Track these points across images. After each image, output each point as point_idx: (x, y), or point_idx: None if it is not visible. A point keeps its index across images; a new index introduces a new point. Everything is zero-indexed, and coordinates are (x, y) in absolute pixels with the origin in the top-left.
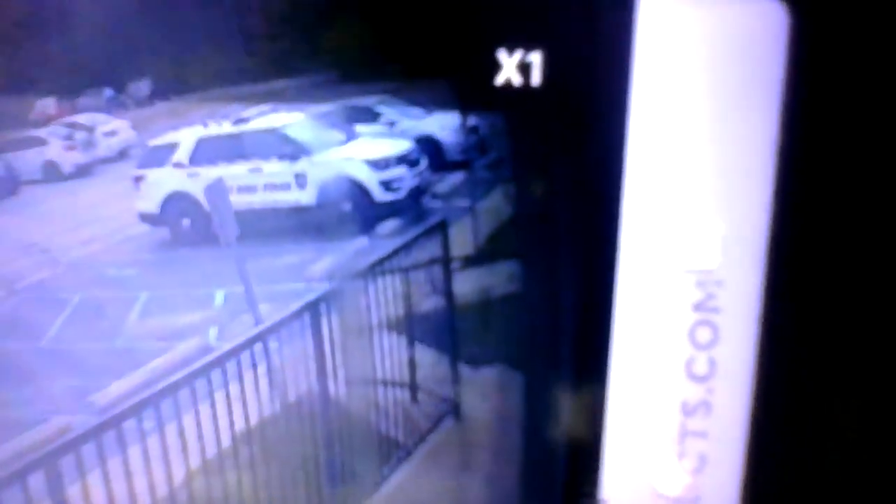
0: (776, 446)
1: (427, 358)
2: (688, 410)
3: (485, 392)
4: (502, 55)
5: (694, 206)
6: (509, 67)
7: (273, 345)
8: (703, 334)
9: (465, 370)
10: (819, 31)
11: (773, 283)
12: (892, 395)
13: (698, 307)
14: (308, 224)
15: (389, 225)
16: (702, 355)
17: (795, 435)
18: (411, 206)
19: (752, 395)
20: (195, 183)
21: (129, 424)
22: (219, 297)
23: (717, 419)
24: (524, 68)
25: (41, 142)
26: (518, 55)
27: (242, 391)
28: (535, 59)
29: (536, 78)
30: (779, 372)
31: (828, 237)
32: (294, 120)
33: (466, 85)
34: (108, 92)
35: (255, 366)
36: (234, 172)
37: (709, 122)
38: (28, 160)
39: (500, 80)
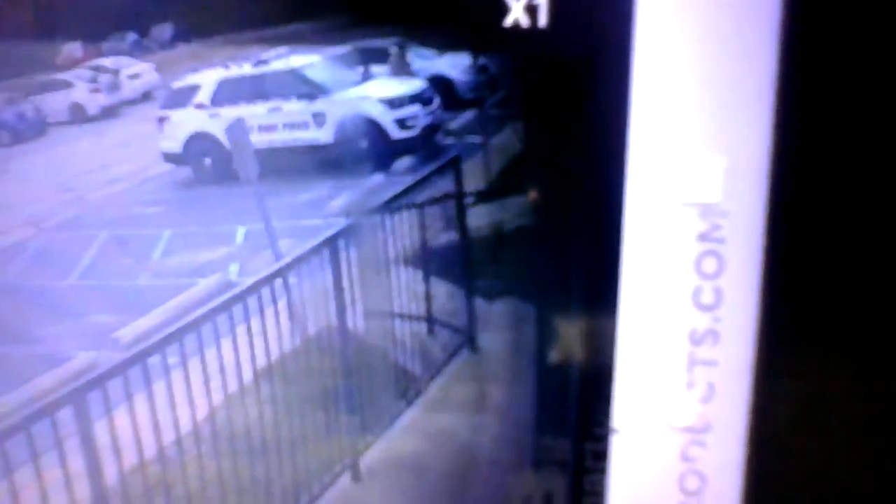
0: (783, 374)
1: (442, 291)
2: (696, 339)
3: (499, 324)
4: None
5: (697, 141)
6: (517, 9)
7: (293, 280)
8: (709, 264)
9: (479, 303)
10: None
11: (775, 212)
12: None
13: (703, 237)
14: (326, 161)
15: (404, 162)
16: (708, 285)
17: (802, 363)
18: (425, 144)
19: (758, 323)
20: (216, 123)
21: (154, 360)
22: (240, 233)
23: (725, 347)
24: (531, 10)
25: (68, 84)
26: None
27: (263, 326)
28: (542, 0)
29: (543, 19)
30: (784, 300)
31: (827, 166)
32: (312, 61)
33: (476, 27)
34: (132, 36)
35: (275, 301)
36: (254, 112)
37: (710, 58)
38: (55, 102)
39: (508, 21)
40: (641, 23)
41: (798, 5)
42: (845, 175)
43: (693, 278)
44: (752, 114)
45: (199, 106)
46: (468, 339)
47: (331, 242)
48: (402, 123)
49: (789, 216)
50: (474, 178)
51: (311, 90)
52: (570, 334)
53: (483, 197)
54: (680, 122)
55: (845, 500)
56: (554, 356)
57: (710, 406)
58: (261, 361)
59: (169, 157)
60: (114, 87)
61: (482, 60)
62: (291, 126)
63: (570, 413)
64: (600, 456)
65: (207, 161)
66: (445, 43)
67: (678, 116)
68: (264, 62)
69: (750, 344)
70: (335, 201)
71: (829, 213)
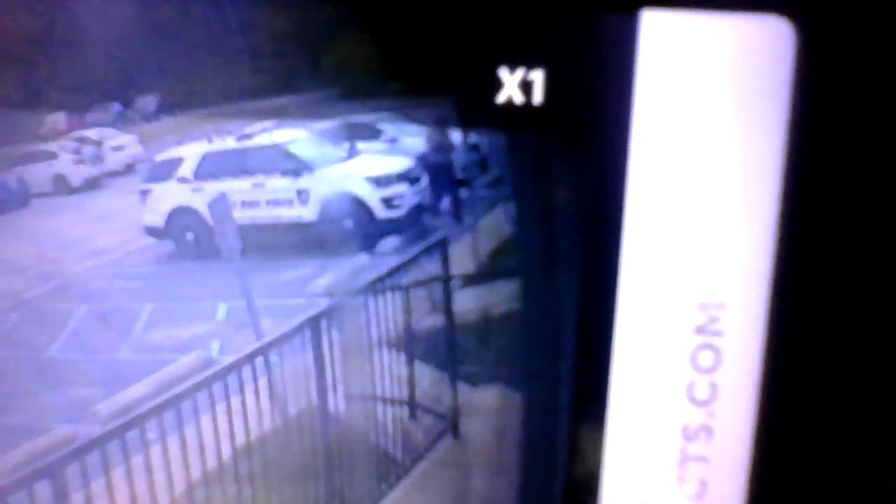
0: (780, 473)
1: (426, 376)
2: (688, 435)
3: (483, 411)
4: (504, 73)
5: (697, 229)
6: (511, 86)
7: (274, 359)
8: (705, 358)
9: (463, 389)
10: (827, 49)
11: (778, 307)
12: None
13: (700, 330)
14: (310, 240)
15: (390, 242)
16: (703, 379)
17: (801, 462)
18: (412, 224)
19: (754, 419)
20: (199, 197)
21: (133, 435)
22: (221, 310)
23: (719, 444)
24: (526, 87)
25: (52, 155)
26: (520, 73)
27: (243, 404)
28: (537, 77)
29: (538, 96)
30: (783, 396)
31: (834, 260)
32: (296, 136)
33: (467, 103)
34: (115, 107)
35: (255, 379)
36: (238, 187)
37: (713, 142)
38: (39, 173)
39: (501, 98)
40: (641, 103)
41: (807, 92)
42: (851, 272)
43: (688, 372)
44: (756, 202)
45: (182, 180)
46: (451, 424)
47: (313, 322)
48: (388, 202)
49: (792, 310)
50: (462, 260)
51: (295, 166)
52: (556, 424)
53: (471, 280)
54: (679, 208)
55: None
56: (539, 446)
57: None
58: (240, 439)
59: (151, 231)
60: (97, 158)
61: (472, 138)
62: (275, 202)
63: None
64: None
65: (190, 236)
66: (435, 119)
67: (678, 202)
68: (248, 136)
69: (746, 441)
70: (318, 280)
71: (833, 310)
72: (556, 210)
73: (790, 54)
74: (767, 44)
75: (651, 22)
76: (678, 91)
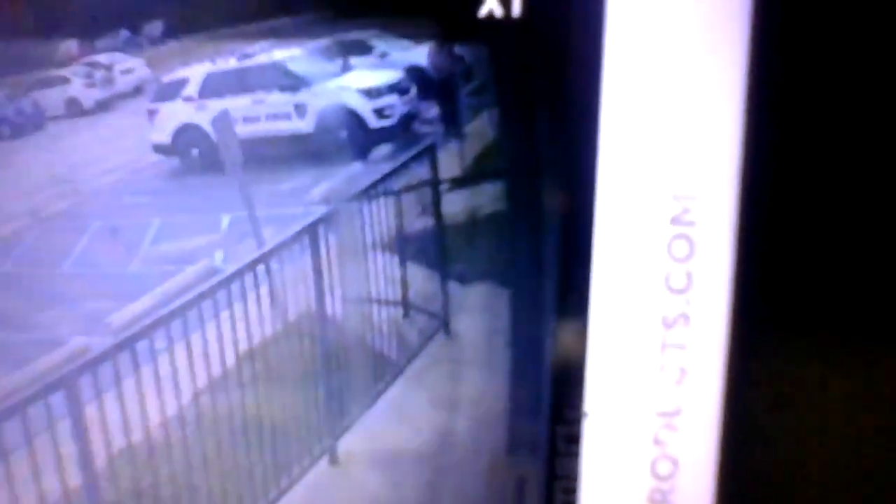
0: (755, 358)
1: (418, 276)
2: (667, 323)
3: (474, 309)
4: None
5: (669, 127)
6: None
7: (275, 266)
8: (680, 248)
9: (454, 288)
10: None
11: (747, 195)
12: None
13: (675, 221)
14: (307, 151)
15: (383, 150)
16: (679, 268)
17: (775, 346)
18: (403, 132)
19: (729, 306)
20: (203, 115)
21: (142, 345)
22: (225, 221)
23: (696, 331)
24: (505, 0)
25: (64, 80)
26: None
27: (246, 311)
28: None
29: (517, 9)
30: (755, 284)
31: (797, 155)
32: (293, 54)
33: (451, 17)
34: (124, 33)
35: (257, 287)
36: (239, 104)
37: (682, 48)
38: (53, 98)
39: (482, 11)
40: (614, 13)
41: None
42: (818, 160)
43: (665, 262)
44: (723, 100)
45: (187, 99)
46: (443, 322)
47: (311, 229)
48: (380, 113)
49: (761, 199)
50: (450, 165)
51: (292, 82)
52: (543, 318)
53: (458, 183)
54: (652, 108)
55: (820, 484)
56: (527, 340)
57: (681, 388)
58: (243, 346)
59: (159, 149)
60: (108, 82)
61: (457, 50)
62: (274, 117)
63: (542, 397)
64: (573, 440)
65: (195, 151)
66: (421, 34)
67: (650, 103)
68: (248, 56)
69: (721, 327)
70: (316, 189)
71: (800, 196)
72: (536, 114)
73: None
74: None
75: None
76: (649, 8)
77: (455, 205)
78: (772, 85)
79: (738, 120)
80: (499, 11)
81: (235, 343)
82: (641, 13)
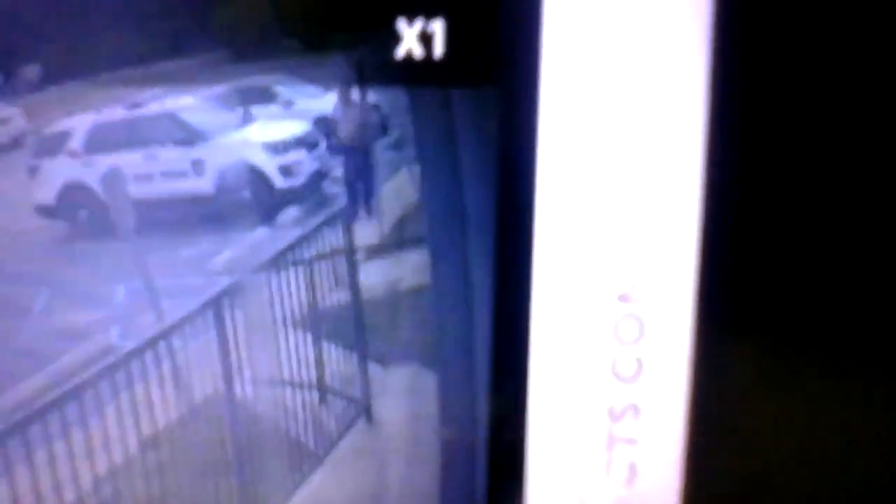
0: (714, 451)
1: (335, 356)
2: (615, 415)
3: (397, 393)
4: (402, 25)
5: (616, 188)
6: (409, 38)
7: (177, 343)
8: (629, 329)
9: (375, 369)
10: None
11: (706, 270)
12: (833, 391)
13: (624, 298)
14: (208, 213)
15: (291, 213)
16: (628, 352)
17: (734, 438)
18: (312, 192)
19: (685, 395)
20: (91, 172)
21: (35, 429)
22: (120, 292)
23: (647, 423)
24: (425, 39)
25: None
26: (419, 24)
27: (148, 393)
28: (437, 28)
29: (439, 49)
30: (714, 369)
31: (761, 224)
32: (188, 103)
33: (365, 59)
34: None
35: (159, 365)
36: (130, 160)
37: (629, 92)
38: None
39: (400, 52)
40: (549, 50)
41: (729, 51)
42: (778, 235)
43: (612, 345)
44: (684, 159)
45: (72, 153)
46: (364, 408)
47: (215, 303)
48: (286, 171)
49: (721, 274)
50: (366, 230)
51: (188, 135)
52: (475, 404)
53: (376, 252)
54: (593, 162)
55: None
56: (458, 428)
57: (632, 488)
58: (146, 431)
59: (42, 211)
60: None
61: (373, 97)
62: (170, 175)
63: (475, 492)
64: None
65: (83, 214)
66: (332, 78)
67: (591, 156)
68: (138, 105)
69: (676, 419)
70: (218, 258)
71: (763, 279)
72: (464, 171)
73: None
74: None
75: None
76: (590, 38)
77: (373, 276)
78: (733, 145)
79: (696, 182)
80: (418, 51)
81: (137, 427)
82: (583, 53)
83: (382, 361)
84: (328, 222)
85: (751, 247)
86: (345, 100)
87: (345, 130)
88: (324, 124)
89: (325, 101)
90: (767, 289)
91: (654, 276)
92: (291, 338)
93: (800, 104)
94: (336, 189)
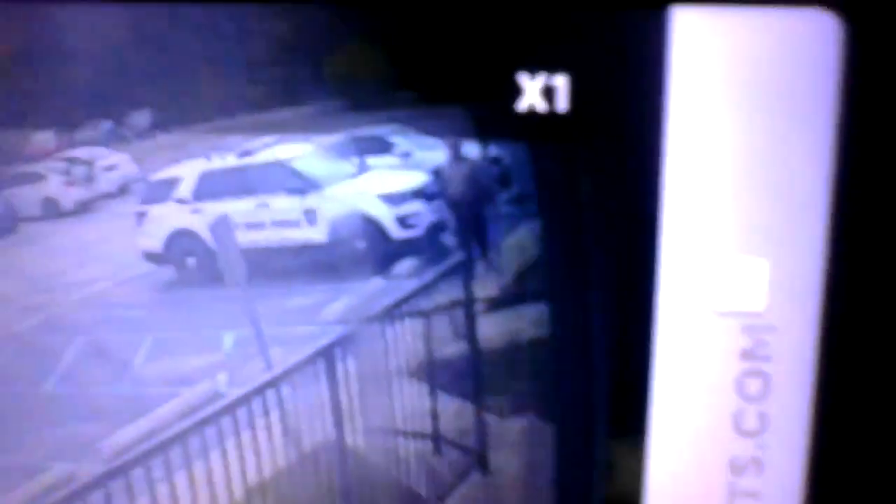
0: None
1: (450, 407)
2: (736, 469)
3: (513, 444)
4: (524, 78)
5: (738, 243)
6: (532, 92)
7: (286, 391)
8: (753, 385)
9: (491, 420)
10: (878, 43)
11: (829, 328)
12: None
13: (746, 355)
14: (320, 263)
15: (407, 264)
16: (751, 408)
17: (857, 494)
18: (430, 244)
19: (808, 451)
20: (200, 219)
21: (138, 473)
22: (228, 340)
23: (770, 478)
24: (548, 93)
25: (39, 177)
26: (541, 78)
27: (255, 439)
28: (560, 82)
29: (562, 103)
30: (837, 426)
31: (890, 277)
32: (302, 152)
33: (485, 112)
34: (106, 124)
35: (267, 413)
36: (240, 208)
37: (753, 149)
38: (26, 196)
39: (522, 106)
40: (675, 108)
41: (855, 91)
42: None
43: (734, 400)
44: (804, 212)
45: (181, 201)
46: (479, 458)
47: (326, 352)
48: (403, 221)
49: (845, 331)
50: (486, 283)
51: (301, 184)
52: (592, 457)
53: (495, 304)
54: (719, 220)
55: None
56: (575, 482)
57: None
58: (252, 477)
59: (149, 257)
60: (89, 179)
61: (493, 151)
62: (281, 223)
63: None
64: None
65: (191, 261)
66: (450, 131)
67: (717, 214)
68: (249, 153)
69: (799, 474)
70: (331, 306)
71: (889, 332)
72: (585, 227)
73: (836, 50)
74: (810, 40)
75: (682, 19)
76: (714, 94)
77: (491, 328)
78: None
79: (821, 236)
80: (541, 106)
81: (244, 474)
82: (707, 109)
83: (499, 412)
84: (446, 274)
85: (877, 302)
86: (455, 154)
87: (455, 186)
88: (443, 176)
89: (443, 153)
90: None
91: (778, 332)
92: (406, 388)
93: None
94: (454, 241)
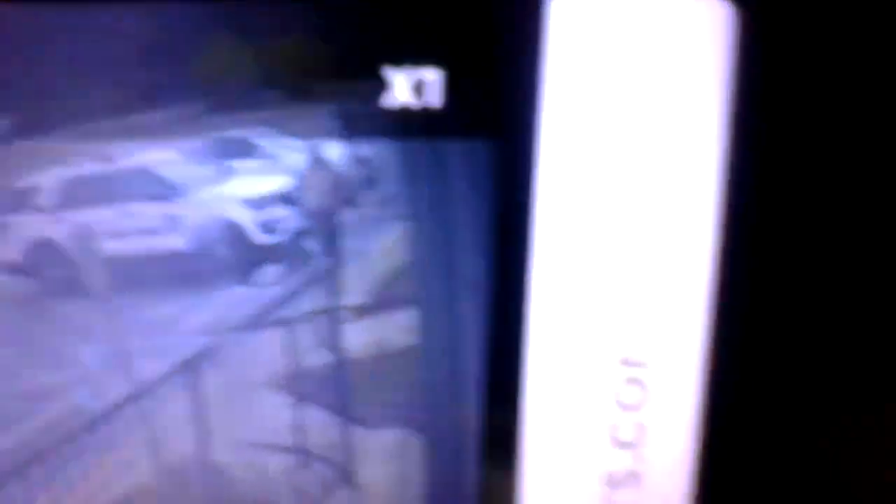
0: None
1: (317, 420)
2: (614, 482)
3: (382, 458)
4: (391, 73)
5: (620, 246)
6: (401, 88)
7: (149, 405)
8: (631, 394)
9: (359, 433)
10: (771, 31)
11: (715, 331)
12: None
13: (626, 362)
14: (184, 272)
15: (270, 271)
16: (629, 418)
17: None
18: (294, 250)
19: (689, 462)
20: (61, 229)
21: None
22: (89, 353)
23: (649, 491)
24: (419, 88)
25: None
26: (411, 73)
27: (118, 457)
28: (431, 76)
29: (434, 98)
30: (720, 434)
31: (768, 292)
32: (165, 156)
33: (353, 110)
34: None
35: (130, 429)
36: (102, 216)
37: (638, 145)
38: None
39: (391, 101)
40: (551, 100)
41: (749, 87)
42: (790, 285)
43: (612, 411)
44: (690, 208)
45: (41, 209)
46: (346, 473)
47: (190, 365)
48: (266, 227)
49: (731, 338)
50: (352, 289)
51: (163, 190)
52: (465, 471)
53: (362, 312)
54: (599, 222)
55: None
56: (446, 498)
57: None
58: (117, 497)
59: (9, 269)
60: None
61: (361, 150)
62: (144, 232)
63: None
64: None
65: (52, 272)
66: (316, 131)
67: (596, 215)
68: (111, 159)
69: (680, 487)
70: (194, 317)
71: (780, 339)
72: (456, 229)
73: (727, 38)
74: (701, 28)
75: (560, 7)
76: (594, 86)
77: (358, 337)
78: (752, 195)
79: (706, 241)
80: (413, 101)
81: (108, 492)
82: (587, 104)
83: (367, 425)
84: (310, 281)
85: (762, 309)
86: (315, 157)
87: (316, 190)
88: (308, 179)
89: (306, 156)
90: (777, 354)
91: (658, 338)
92: (270, 400)
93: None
94: (319, 247)
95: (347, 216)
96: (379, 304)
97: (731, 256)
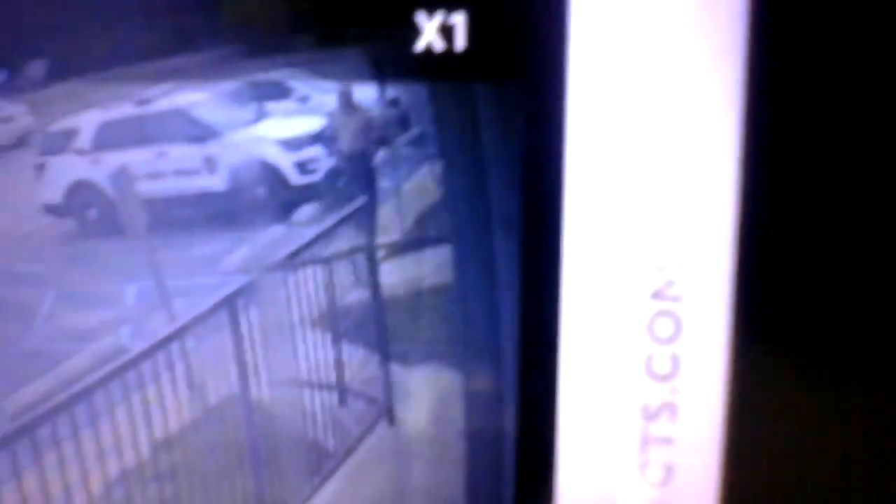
0: (753, 451)
1: (355, 357)
2: (649, 414)
3: (421, 394)
4: (421, 18)
5: (648, 182)
6: (430, 31)
7: (190, 344)
8: (664, 327)
9: (396, 369)
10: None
11: (744, 264)
12: (875, 390)
13: (657, 295)
14: (221, 212)
15: (307, 210)
16: (663, 351)
17: (774, 437)
18: (330, 189)
19: (723, 394)
20: (99, 170)
21: (43, 431)
22: (130, 292)
23: (684, 423)
24: (446, 31)
25: None
26: (439, 17)
27: (160, 394)
28: (458, 20)
29: (461, 42)
30: (752, 367)
31: (799, 218)
32: (199, 99)
33: (383, 53)
34: (1, 74)
35: (172, 367)
36: (140, 158)
37: (661, 90)
38: None
39: (419, 46)
40: (577, 40)
41: (767, 39)
42: (817, 229)
43: (646, 343)
44: (713, 148)
45: (80, 151)
46: (385, 409)
47: (229, 303)
48: (302, 167)
49: (759, 270)
50: (387, 227)
51: (199, 132)
52: (501, 405)
53: (397, 249)
54: (626, 159)
55: None
56: (483, 430)
57: (668, 489)
58: (159, 434)
59: (50, 209)
60: None
61: (391, 92)
62: (180, 173)
63: (503, 497)
64: None
65: (92, 213)
66: (348, 74)
67: (624, 153)
68: (147, 101)
69: (714, 418)
70: (232, 256)
71: (802, 272)
72: (487, 167)
73: None
74: None
75: None
76: (619, 27)
77: (394, 275)
78: (773, 135)
79: (732, 171)
80: (439, 44)
81: (150, 431)
82: (611, 43)
83: (404, 362)
84: (346, 220)
85: (790, 241)
86: (347, 100)
87: (348, 131)
88: (342, 120)
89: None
90: (806, 286)
91: (689, 271)
92: (309, 337)
93: (837, 103)
94: (354, 186)
95: (380, 156)
96: (413, 241)
97: (756, 187)
